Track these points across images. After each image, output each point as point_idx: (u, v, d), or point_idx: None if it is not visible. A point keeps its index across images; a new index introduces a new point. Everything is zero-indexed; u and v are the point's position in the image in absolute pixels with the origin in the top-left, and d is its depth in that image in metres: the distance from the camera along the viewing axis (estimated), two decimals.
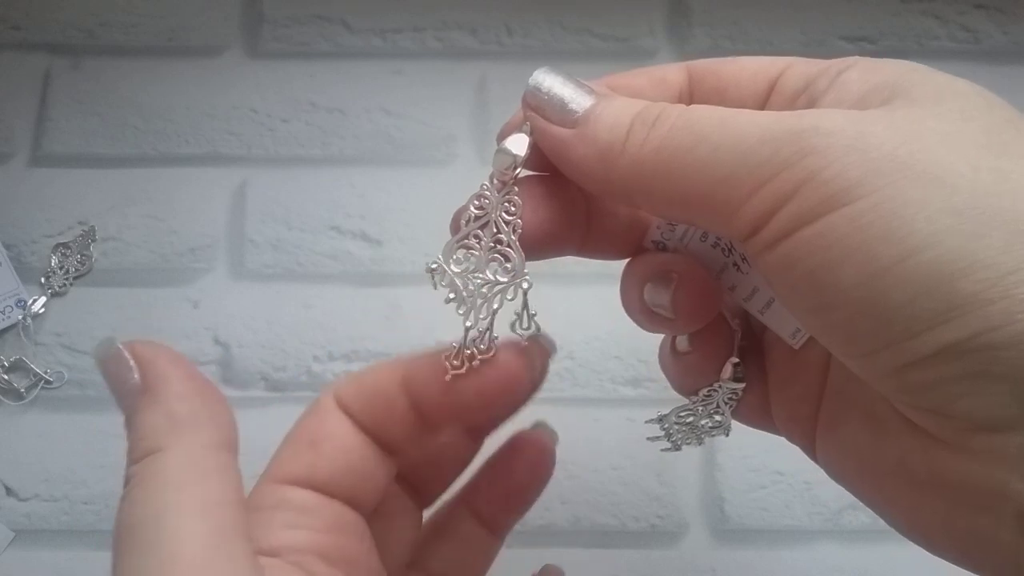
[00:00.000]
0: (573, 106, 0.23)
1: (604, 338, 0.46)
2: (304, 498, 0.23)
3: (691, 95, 0.25)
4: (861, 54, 0.52)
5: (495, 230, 0.23)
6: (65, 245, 0.48)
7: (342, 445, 0.24)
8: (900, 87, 0.20)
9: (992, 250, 0.17)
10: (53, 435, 0.45)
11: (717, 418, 0.28)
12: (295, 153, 0.51)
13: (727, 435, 0.29)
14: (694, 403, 0.28)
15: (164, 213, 0.49)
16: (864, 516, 0.43)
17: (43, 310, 0.47)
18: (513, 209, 0.23)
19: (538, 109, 0.23)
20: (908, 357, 0.18)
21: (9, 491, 0.44)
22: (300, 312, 0.47)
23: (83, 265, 0.48)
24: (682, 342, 0.28)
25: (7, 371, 0.46)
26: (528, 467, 0.30)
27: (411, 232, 0.49)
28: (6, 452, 0.45)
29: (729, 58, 0.25)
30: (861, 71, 0.22)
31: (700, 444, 0.30)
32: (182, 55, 0.53)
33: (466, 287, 0.23)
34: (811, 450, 0.26)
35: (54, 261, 0.48)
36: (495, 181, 0.24)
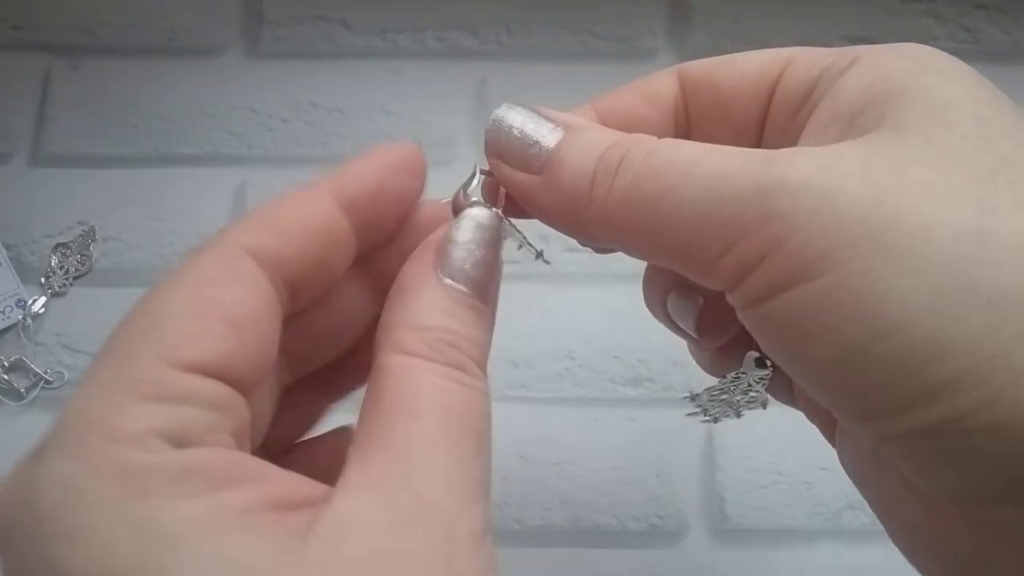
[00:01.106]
0: (534, 150, 0.21)
1: (604, 338, 0.46)
2: (219, 394, 0.18)
3: (687, 109, 0.24)
4: None
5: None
6: (65, 245, 0.48)
7: (266, 328, 0.20)
8: (896, 103, 0.19)
9: (970, 335, 0.16)
10: None
11: (752, 394, 0.28)
12: (295, 153, 0.51)
13: (764, 408, 0.29)
14: (723, 384, 0.28)
15: (164, 213, 0.49)
16: (864, 516, 0.43)
17: (43, 310, 0.47)
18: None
19: (501, 154, 0.22)
20: (883, 432, 0.18)
21: None
22: None
23: (83, 265, 0.48)
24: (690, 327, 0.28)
25: (7, 371, 0.46)
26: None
27: None
28: (6, 452, 0.44)
29: (726, 58, 0.23)
30: (860, 73, 0.20)
31: (739, 417, 0.29)
32: (182, 55, 0.53)
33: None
34: (830, 438, 0.26)
35: (54, 261, 0.48)
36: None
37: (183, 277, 0.19)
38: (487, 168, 0.23)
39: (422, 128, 0.51)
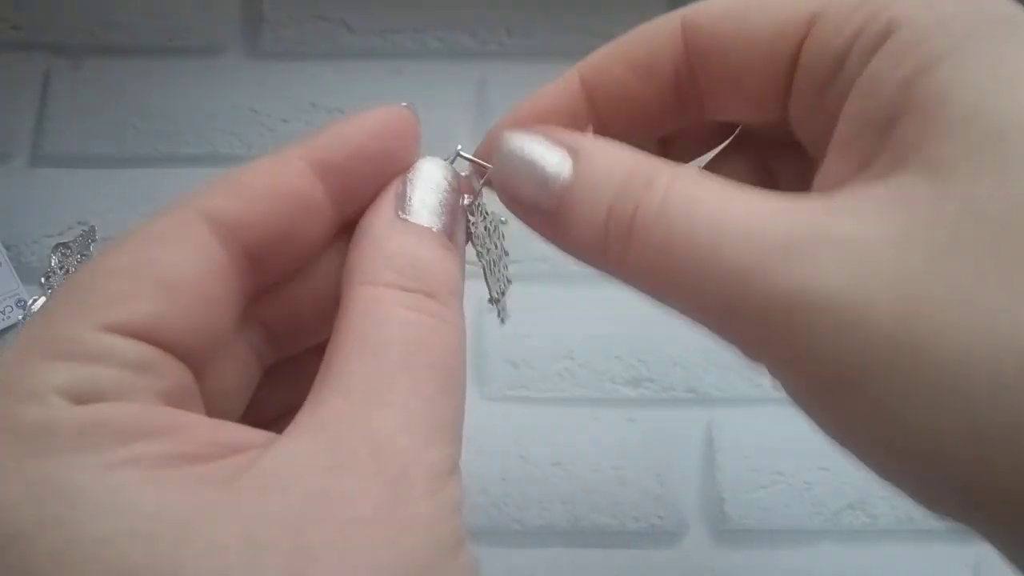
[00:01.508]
0: (543, 194, 0.20)
1: (604, 338, 0.46)
2: (142, 356, 0.17)
3: (693, 77, 0.21)
4: None
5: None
6: (65, 245, 0.48)
7: (212, 294, 0.19)
8: (934, 132, 0.16)
9: (1006, 477, 0.15)
10: None
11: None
12: None
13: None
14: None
15: None
16: (864, 516, 0.43)
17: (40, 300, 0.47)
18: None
19: (512, 196, 0.21)
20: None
21: None
22: None
23: (83, 265, 0.48)
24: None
25: None
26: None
27: None
28: None
29: (736, 11, 0.20)
30: (896, 59, 0.17)
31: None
32: (182, 55, 0.53)
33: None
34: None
35: (54, 261, 0.48)
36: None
37: (132, 238, 0.18)
38: (470, 156, 0.23)
39: (422, 128, 0.51)
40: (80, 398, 0.16)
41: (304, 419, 0.17)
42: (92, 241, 0.48)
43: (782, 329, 0.16)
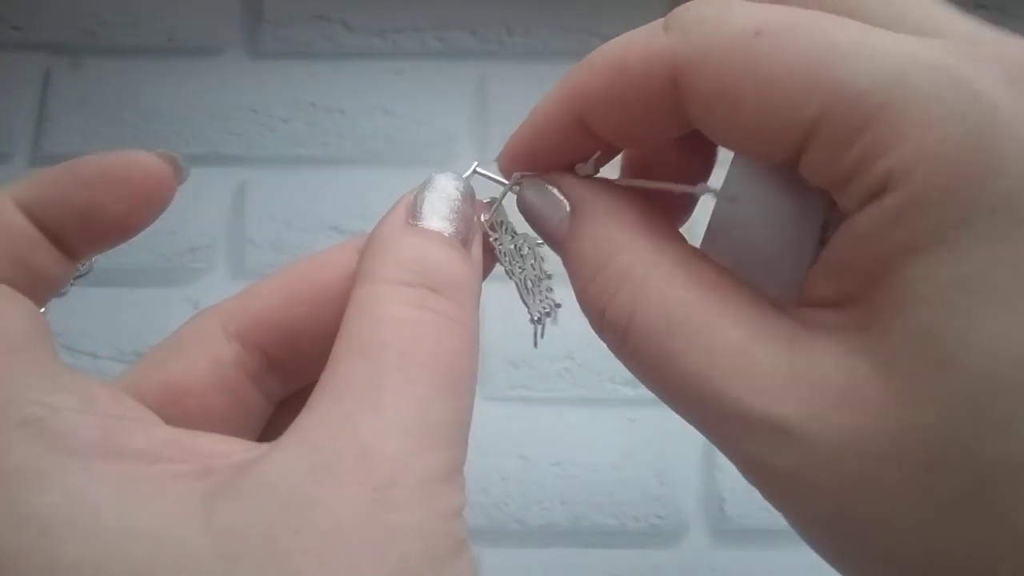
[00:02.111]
0: (551, 237, 0.21)
1: None
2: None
3: (688, 119, 0.19)
4: None
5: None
6: None
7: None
8: (900, 316, 0.15)
9: None
10: None
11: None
12: (295, 153, 0.51)
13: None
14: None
15: (164, 213, 0.49)
16: None
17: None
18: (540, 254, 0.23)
19: (531, 222, 0.22)
20: None
21: None
22: None
23: (83, 265, 0.48)
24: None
25: None
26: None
27: None
28: None
29: (727, 95, 0.17)
30: (889, 209, 0.15)
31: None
32: (182, 55, 0.53)
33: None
34: None
35: None
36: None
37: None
38: (484, 172, 0.23)
39: (422, 128, 0.51)
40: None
41: (293, 427, 0.16)
42: None
43: (755, 457, 0.17)
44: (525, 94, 0.24)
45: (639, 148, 0.22)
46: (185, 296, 0.48)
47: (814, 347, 0.17)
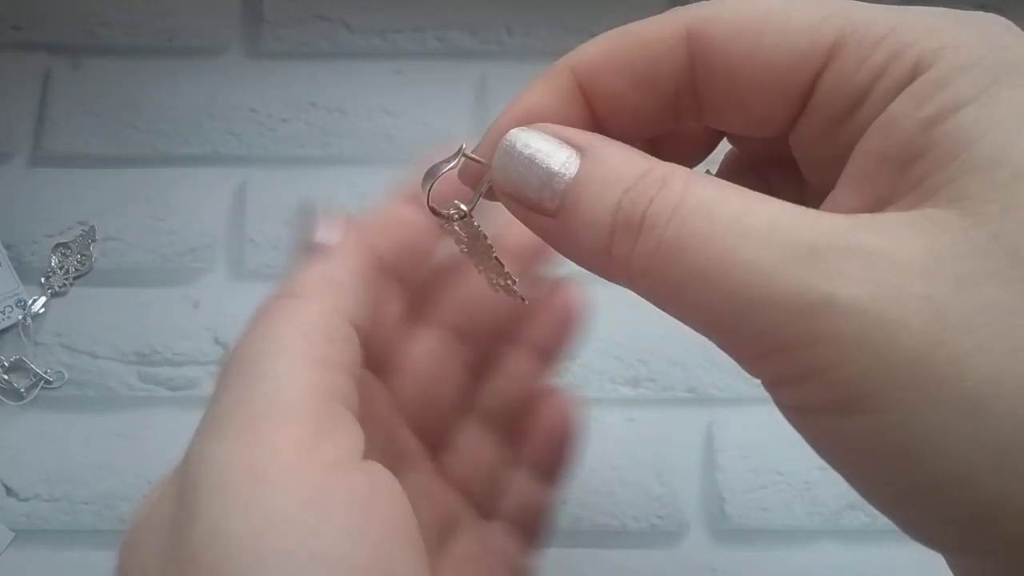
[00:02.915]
0: (546, 192, 0.19)
1: (604, 338, 0.46)
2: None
3: (696, 90, 0.20)
4: None
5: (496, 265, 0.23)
6: (65, 245, 0.48)
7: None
8: (960, 171, 0.15)
9: None
10: (53, 435, 0.45)
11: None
12: (295, 153, 0.51)
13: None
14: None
15: (164, 213, 0.49)
16: (864, 516, 0.43)
17: (43, 310, 0.47)
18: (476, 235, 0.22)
19: (513, 195, 0.19)
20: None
21: (9, 491, 0.44)
22: None
23: (83, 265, 0.48)
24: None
25: (7, 371, 0.46)
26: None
27: None
28: (6, 452, 0.45)
29: (750, 31, 0.18)
30: (920, 99, 0.16)
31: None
32: (182, 55, 0.53)
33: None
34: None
35: (54, 261, 0.48)
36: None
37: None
38: (472, 154, 0.21)
39: (422, 128, 0.51)
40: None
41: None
42: (92, 241, 0.48)
43: (804, 337, 0.15)
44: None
45: (634, 127, 0.21)
46: (185, 296, 0.48)
47: (876, 215, 0.16)
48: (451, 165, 0.22)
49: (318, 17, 0.53)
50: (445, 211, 0.22)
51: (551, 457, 0.29)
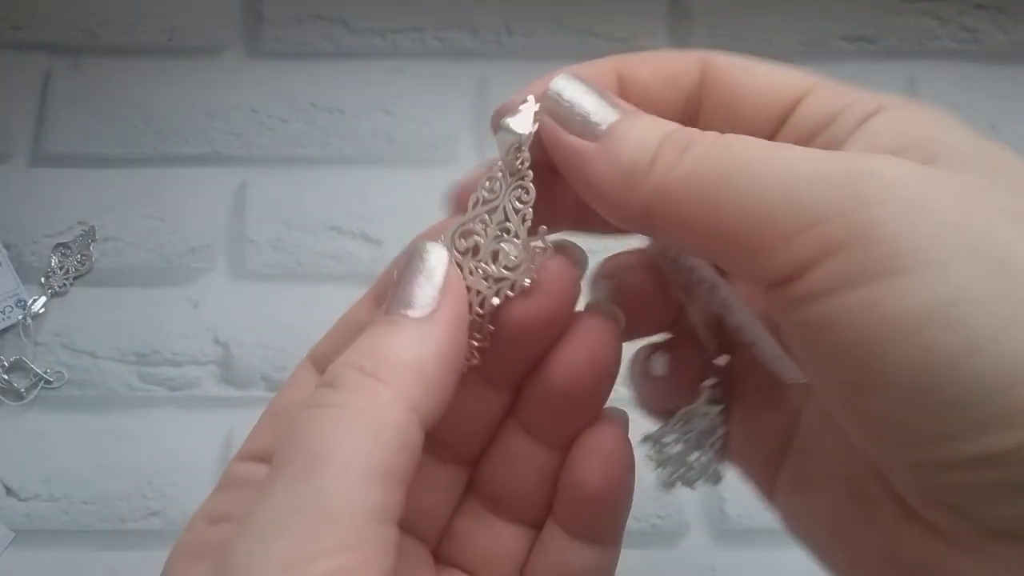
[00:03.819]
0: (596, 118, 0.21)
1: None
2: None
3: (699, 102, 0.23)
4: (861, 54, 0.53)
5: (503, 217, 0.22)
6: (65, 245, 0.48)
7: None
8: (940, 148, 0.18)
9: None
10: (53, 435, 0.45)
11: (706, 457, 0.26)
12: (295, 153, 0.51)
13: (717, 481, 0.27)
14: (673, 427, 0.26)
15: (164, 213, 0.49)
16: None
17: (43, 310, 0.47)
18: (526, 197, 0.22)
19: (557, 118, 0.21)
20: (947, 457, 0.16)
21: (9, 491, 0.44)
22: (300, 312, 0.47)
23: (83, 265, 0.48)
24: (658, 365, 0.26)
25: (7, 371, 0.46)
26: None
27: (411, 232, 0.48)
28: (6, 452, 0.45)
29: (749, 65, 0.22)
30: (891, 121, 0.19)
31: (692, 486, 0.27)
32: (182, 55, 0.53)
33: (467, 274, 0.22)
34: (767, 493, 0.25)
35: (54, 261, 0.48)
36: (504, 165, 0.22)
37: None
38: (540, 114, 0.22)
39: (422, 128, 0.51)
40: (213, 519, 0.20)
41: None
42: (92, 241, 0.48)
43: (852, 200, 0.17)
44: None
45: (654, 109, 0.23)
46: (185, 296, 0.48)
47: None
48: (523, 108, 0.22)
49: (318, 17, 0.53)
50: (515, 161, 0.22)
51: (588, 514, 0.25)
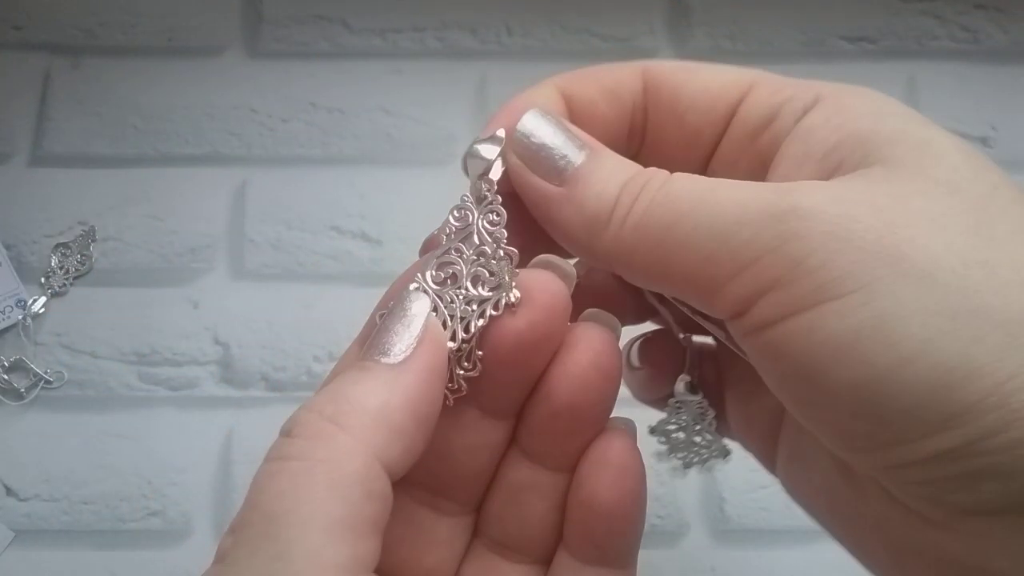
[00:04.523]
0: (562, 163, 0.21)
1: None
2: None
3: (645, 111, 0.24)
4: (861, 54, 0.53)
5: (478, 241, 0.22)
6: (65, 245, 0.48)
7: None
8: (874, 145, 0.19)
9: (988, 356, 0.16)
10: (53, 435, 0.45)
11: (708, 436, 0.27)
12: (295, 153, 0.51)
13: (726, 458, 0.28)
14: (668, 414, 0.28)
15: (164, 213, 0.49)
16: None
17: (43, 310, 0.47)
18: (496, 218, 0.22)
19: (525, 159, 0.21)
20: (904, 459, 0.18)
21: (9, 491, 0.44)
22: (300, 312, 0.47)
23: (83, 265, 0.48)
24: (633, 356, 0.27)
25: (7, 371, 0.46)
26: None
27: (411, 232, 0.49)
28: (6, 452, 0.45)
29: (691, 67, 0.23)
30: (825, 116, 0.20)
31: (705, 466, 0.29)
32: (182, 55, 0.53)
33: (448, 303, 0.21)
34: (769, 466, 0.26)
35: (54, 261, 0.48)
36: (473, 191, 0.22)
37: None
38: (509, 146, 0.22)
39: (422, 128, 0.51)
40: None
41: None
42: (92, 241, 0.48)
43: (776, 240, 0.18)
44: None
45: (602, 138, 0.23)
46: (185, 296, 0.48)
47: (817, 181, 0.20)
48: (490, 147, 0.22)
49: (318, 17, 0.53)
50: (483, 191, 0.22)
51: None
